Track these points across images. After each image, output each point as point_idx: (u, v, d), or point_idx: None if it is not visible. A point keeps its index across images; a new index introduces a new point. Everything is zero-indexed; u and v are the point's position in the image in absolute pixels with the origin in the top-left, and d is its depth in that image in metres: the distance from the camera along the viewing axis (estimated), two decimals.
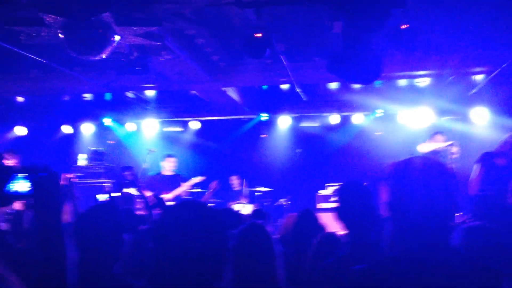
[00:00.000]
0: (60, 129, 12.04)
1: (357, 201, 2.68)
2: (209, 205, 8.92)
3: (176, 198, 8.61)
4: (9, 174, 1.61)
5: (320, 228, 4.34)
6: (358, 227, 2.62)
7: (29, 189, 1.62)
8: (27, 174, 1.62)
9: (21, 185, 1.62)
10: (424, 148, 7.80)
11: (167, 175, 9.00)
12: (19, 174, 1.64)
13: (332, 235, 3.25)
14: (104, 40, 4.97)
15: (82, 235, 2.47)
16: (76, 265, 2.20)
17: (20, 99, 10.81)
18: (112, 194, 8.17)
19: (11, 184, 1.61)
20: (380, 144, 11.02)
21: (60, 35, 4.95)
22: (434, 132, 8.25)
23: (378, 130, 11.39)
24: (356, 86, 9.73)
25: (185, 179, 8.88)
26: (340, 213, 2.73)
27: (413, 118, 10.53)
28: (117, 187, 7.47)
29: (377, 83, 9.74)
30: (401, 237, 1.71)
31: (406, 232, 1.71)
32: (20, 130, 12.07)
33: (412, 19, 4.98)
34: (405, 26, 4.79)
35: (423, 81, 9.60)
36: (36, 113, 11.70)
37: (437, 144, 7.64)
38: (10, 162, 8.10)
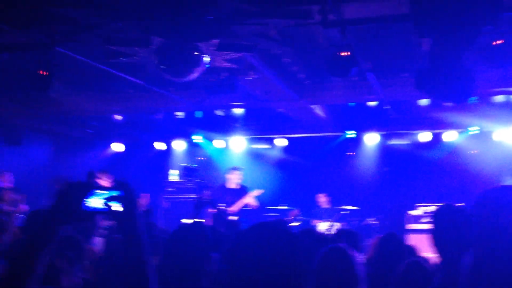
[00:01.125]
0: (153, 145, 12.59)
1: (454, 227, 2.51)
2: (294, 224, 8.79)
3: (240, 212, 8.75)
4: (87, 190, 1.66)
5: (406, 252, 4.19)
6: (452, 256, 2.44)
7: (104, 205, 1.65)
8: (106, 192, 1.67)
9: (97, 201, 1.65)
10: None
11: (231, 188, 9.08)
12: (97, 191, 1.68)
13: (419, 262, 3.06)
14: (194, 62, 5.18)
15: (172, 252, 2.56)
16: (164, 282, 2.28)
17: (117, 117, 11.44)
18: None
19: (87, 200, 1.65)
20: (475, 163, 10.49)
21: (154, 56, 5.22)
22: None
23: (472, 149, 10.85)
24: (448, 103, 9.35)
25: (249, 192, 8.99)
26: (435, 239, 2.59)
27: (510, 136, 9.93)
28: (196, 205, 7.71)
29: (472, 100, 9.30)
30: (481, 272, 1.62)
31: (490, 267, 1.62)
32: (117, 147, 12.78)
33: (506, 34, 4.73)
34: (499, 42, 4.57)
35: None
36: (132, 131, 12.33)
37: None
38: (103, 182, 8.62)
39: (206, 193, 9.27)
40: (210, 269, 2.71)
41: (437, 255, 2.61)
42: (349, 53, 5.35)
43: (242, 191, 9.07)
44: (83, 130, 12.30)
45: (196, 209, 4.71)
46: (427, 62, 4.30)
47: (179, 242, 2.70)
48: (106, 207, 1.64)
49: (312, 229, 4.66)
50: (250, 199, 8.87)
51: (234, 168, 9.31)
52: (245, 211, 9.04)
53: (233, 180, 9.13)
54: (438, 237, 2.52)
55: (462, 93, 4.22)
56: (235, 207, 8.72)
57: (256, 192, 8.94)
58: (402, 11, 4.52)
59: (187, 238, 2.71)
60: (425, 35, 3.81)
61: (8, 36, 6.06)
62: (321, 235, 4.22)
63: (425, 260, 3.05)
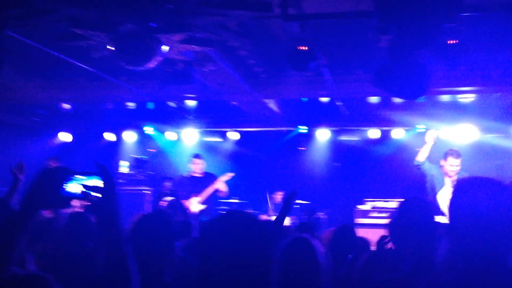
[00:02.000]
0: (103, 136, 12.32)
1: (419, 218, 2.57)
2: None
3: (207, 200, 8.47)
4: (65, 175, 1.63)
5: (360, 243, 4.29)
6: (418, 246, 2.51)
7: (83, 190, 1.62)
8: (84, 177, 1.64)
9: (76, 187, 1.63)
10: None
11: (196, 176, 8.76)
12: (76, 176, 1.65)
13: (380, 254, 3.13)
14: (151, 51, 5.09)
15: (136, 242, 2.52)
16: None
17: (65, 106, 11.11)
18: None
19: (66, 185, 1.63)
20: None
21: (109, 46, 5.09)
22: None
23: (419, 146, 11.19)
24: (398, 101, 9.63)
25: (216, 177, 8.65)
26: (397, 229, 2.65)
27: (456, 135, 10.33)
28: (157, 197, 7.55)
29: (419, 99, 9.61)
30: (459, 259, 1.68)
31: (465, 254, 1.68)
32: (65, 136, 12.42)
33: (458, 33, 4.92)
34: (454, 41, 4.74)
35: (467, 97, 9.41)
36: (80, 120, 12.02)
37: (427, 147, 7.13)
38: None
39: (167, 184, 9.04)
40: (173, 258, 2.68)
41: (396, 243, 2.69)
42: (307, 48, 5.41)
43: (207, 178, 8.71)
44: (29, 118, 11.88)
45: (157, 202, 4.63)
46: (385, 59, 4.41)
47: (142, 231, 2.66)
48: (85, 192, 1.61)
49: (273, 221, 4.69)
50: (220, 185, 8.51)
51: (196, 156, 8.98)
52: (214, 199, 8.76)
53: (197, 168, 8.78)
54: (401, 226, 2.60)
55: (417, 90, 4.35)
56: (202, 195, 8.43)
57: (225, 177, 8.56)
58: (361, 8, 4.61)
59: (150, 227, 2.67)
60: (387, 31, 3.90)
61: None
62: (282, 226, 4.26)
63: (385, 251, 3.12)
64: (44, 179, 1.60)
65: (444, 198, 6.76)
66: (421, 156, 7.18)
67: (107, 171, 1.67)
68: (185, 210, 6.22)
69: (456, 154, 6.83)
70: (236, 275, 1.70)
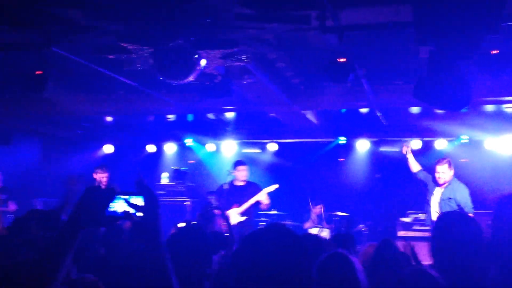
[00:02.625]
0: (145, 148, 12.53)
1: (461, 235, 2.47)
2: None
3: (247, 211, 8.18)
4: (110, 195, 1.65)
5: (402, 259, 4.18)
6: (459, 262, 2.41)
7: (125, 210, 1.66)
8: (127, 196, 1.67)
9: (120, 206, 1.66)
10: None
11: (238, 185, 8.44)
12: (120, 195, 1.68)
13: (424, 269, 3.02)
14: (190, 64, 5.16)
15: (172, 255, 2.54)
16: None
17: (108, 118, 11.37)
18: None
19: (111, 205, 1.65)
20: (465, 171, 10.56)
21: (149, 60, 5.20)
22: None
23: (463, 157, 10.93)
24: (440, 111, 9.42)
25: (260, 188, 8.35)
26: (439, 244, 2.56)
27: (501, 145, 10.03)
28: (201, 210, 7.48)
29: (462, 110, 9.38)
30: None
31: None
32: (108, 148, 12.70)
33: (500, 43, 4.78)
34: (496, 51, 4.61)
35: None
36: (122, 133, 12.26)
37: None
38: (101, 176, 8.64)
39: (211, 198, 8.77)
40: (211, 271, 2.69)
41: (438, 261, 2.61)
42: (346, 59, 5.37)
43: (250, 187, 8.36)
44: (73, 131, 12.20)
45: (205, 219, 4.57)
46: (424, 70, 4.33)
47: (179, 244, 2.67)
48: (127, 212, 1.63)
49: (311, 234, 4.65)
50: (263, 196, 8.13)
51: (240, 162, 8.58)
52: (255, 210, 8.47)
53: (240, 176, 8.40)
54: (442, 244, 2.52)
55: (460, 101, 4.25)
56: (243, 207, 8.12)
57: (270, 188, 8.20)
58: (400, 19, 4.55)
59: (187, 241, 2.69)
60: (427, 43, 3.83)
61: (3, 35, 5.99)
62: (319, 240, 4.21)
63: (427, 267, 3.01)
64: (89, 198, 1.63)
65: (432, 204, 7.43)
66: (413, 167, 8.02)
67: (149, 190, 1.69)
68: (217, 221, 6.11)
69: (442, 161, 7.40)
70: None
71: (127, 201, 1.65)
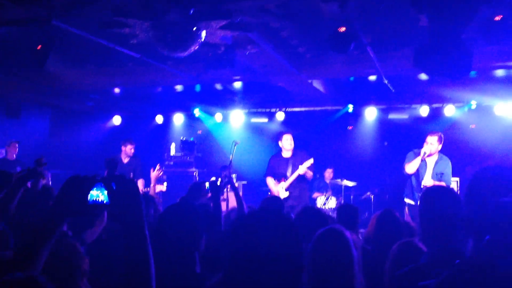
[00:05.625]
0: (154, 119, 12.59)
1: (441, 208, 2.52)
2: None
3: (291, 186, 8.05)
4: (90, 184, 1.65)
5: (404, 229, 4.20)
6: (442, 235, 2.46)
7: (106, 199, 1.64)
8: (103, 185, 1.67)
9: (99, 195, 1.65)
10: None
11: (285, 157, 8.32)
12: (98, 184, 1.66)
13: (412, 243, 3.06)
14: (190, 36, 5.14)
15: (161, 234, 2.58)
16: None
17: (116, 90, 11.41)
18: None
19: (92, 194, 1.64)
20: (475, 137, 10.50)
21: (148, 34, 5.18)
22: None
23: (472, 123, 10.85)
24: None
25: (307, 154, 8.22)
26: (422, 218, 2.62)
27: (511, 111, 9.93)
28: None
29: (472, 74, 9.26)
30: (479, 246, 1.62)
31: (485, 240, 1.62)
32: (116, 120, 12.79)
33: (505, 9, 4.67)
34: (498, 17, 4.52)
35: None
36: (131, 103, 12.32)
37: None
38: (131, 147, 8.84)
39: (224, 173, 8.69)
40: (201, 249, 2.71)
41: (423, 231, 2.65)
42: (344, 29, 5.30)
43: (296, 156, 8.22)
44: (82, 103, 12.28)
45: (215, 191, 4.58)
46: (425, 39, 4.27)
47: (169, 223, 2.66)
48: (108, 200, 1.64)
49: (312, 207, 4.68)
50: (302, 171, 7.97)
51: (283, 132, 8.50)
52: (303, 182, 8.17)
53: (287, 145, 8.30)
54: (424, 216, 2.56)
55: (460, 69, 4.20)
56: (288, 182, 8.04)
57: (307, 163, 8.01)
58: None
59: (177, 219, 2.68)
60: (423, 11, 3.77)
61: (6, 11, 5.99)
62: (320, 213, 4.24)
63: (415, 242, 3.04)
64: (70, 188, 1.64)
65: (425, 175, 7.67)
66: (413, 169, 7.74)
67: (120, 178, 1.68)
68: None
69: (434, 133, 7.70)
70: (265, 268, 1.70)
71: (106, 188, 1.65)
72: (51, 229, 1.61)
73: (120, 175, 1.69)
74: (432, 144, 7.58)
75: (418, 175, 7.73)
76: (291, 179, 8.09)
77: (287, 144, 8.33)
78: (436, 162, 7.68)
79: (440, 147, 7.68)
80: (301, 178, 8.10)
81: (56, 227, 1.62)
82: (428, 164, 7.72)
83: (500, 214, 1.63)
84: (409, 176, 7.83)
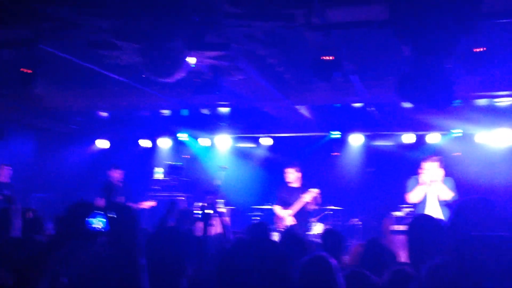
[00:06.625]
0: (138, 143, 12.55)
1: (427, 236, 2.52)
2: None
3: (298, 214, 8.22)
4: (90, 210, 1.70)
5: (389, 258, 4.20)
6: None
7: (104, 226, 1.70)
8: (103, 213, 1.71)
9: (100, 222, 1.71)
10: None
11: (293, 187, 8.52)
12: (96, 211, 1.71)
13: (405, 270, 3.05)
14: (177, 63, 5.18)
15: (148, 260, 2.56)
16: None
17: (102, 113, 11.39)
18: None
19: (92, 220, 1.70)
20: (458, 165, 10.60)
21: (136, 58, 5.22)
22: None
23: (455, 151, 10.97)
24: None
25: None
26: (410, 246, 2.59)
27: (492, 139, 10.07)
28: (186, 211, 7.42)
29: (456, 103, 9.41)
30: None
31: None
32: (102, 143, 12.72)
33: (487, 40, 4.80)
34: (480, 49, 4.63)
35: (504, 102, 9.17)
36: (117, 127, 12.28)
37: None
38: (120, 173, 8.78)
39: (209, 197, 8.68)
40: (187, 275, 2.70)
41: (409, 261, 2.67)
42: (332, 58, 5.39)
43: (305, 188, 8.37)
44: (67, 125, 12.23)
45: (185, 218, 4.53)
46: (408, 68, 4.36)
47: (156, 248, 2.65)
48: (106, 227, 1.68)
49: (296, 234, 4.66)
50: (308, 198, 8.18)
51: (293, 165, 8.63)
52: (303, 214, 8.34)
53: (291, 178, 8.52)
54: (412, 244, 2.58)
55: (442, 99, 4.28)
56: (293, 209, 8.22)
57: (311, 193, 8.24)
58: (384, 17, 4.56)
59: (163, 244, 2.66)
60: (405, 41, 3.86)
61: None
62: (304, 240, 4.24)
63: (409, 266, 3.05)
64: (72, 213, 1.68)
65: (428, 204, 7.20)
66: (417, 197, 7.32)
67: (120, 206, 1.73)
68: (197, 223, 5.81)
69: (432, 158, 7.30)
70: None
71: (104, 216, 1.69)
72: (54, 252, 1.64)
73: (120, 203, 1.73)
74: (431, 170, 7.11)
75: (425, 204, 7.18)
76: (297, 206, 8.26)
77: (289, 177, 8.59)
78: (440, 190, 7.10)
79: (443, 172, 7.18)
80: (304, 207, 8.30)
81: (58, 250, 1.65)
82: (429, 193, 7.19)
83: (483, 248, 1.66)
84: (415, 205, 7.36)
